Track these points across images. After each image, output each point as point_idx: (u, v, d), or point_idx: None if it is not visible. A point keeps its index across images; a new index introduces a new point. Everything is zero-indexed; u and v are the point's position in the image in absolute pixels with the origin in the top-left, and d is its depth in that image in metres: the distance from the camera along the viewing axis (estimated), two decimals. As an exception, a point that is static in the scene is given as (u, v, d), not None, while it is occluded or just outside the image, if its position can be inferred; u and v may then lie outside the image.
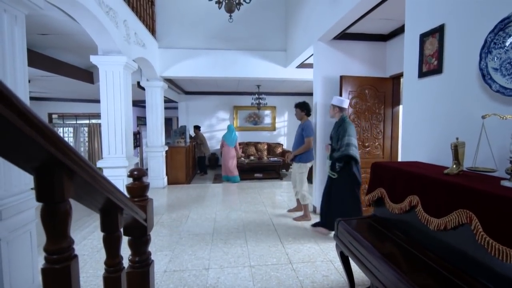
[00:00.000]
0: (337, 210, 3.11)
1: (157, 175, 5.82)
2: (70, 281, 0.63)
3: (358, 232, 1.62)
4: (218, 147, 8.42)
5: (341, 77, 3.66)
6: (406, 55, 2.04)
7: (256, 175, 7.38)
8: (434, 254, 1.32)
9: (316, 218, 3.82)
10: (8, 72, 1.78)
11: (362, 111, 3.74)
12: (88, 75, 5.84)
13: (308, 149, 3.67)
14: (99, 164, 3.61)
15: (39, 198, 0.59)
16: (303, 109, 3.74)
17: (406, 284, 1.16)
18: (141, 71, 5.33)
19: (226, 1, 2.91)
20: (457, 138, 1.37)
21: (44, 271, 0.63)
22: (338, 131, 3.11)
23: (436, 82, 1.77)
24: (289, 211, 4.09)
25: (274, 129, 9.50)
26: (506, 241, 0.96)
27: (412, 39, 1.96)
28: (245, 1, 3.05)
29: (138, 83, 5.72)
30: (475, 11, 1.49)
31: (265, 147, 8.98)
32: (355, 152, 3.00)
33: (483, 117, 1.25)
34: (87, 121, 9.40)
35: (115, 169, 3.61)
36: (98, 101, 3.63)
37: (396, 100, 3.85)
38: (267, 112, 9.41)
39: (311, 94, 4.41)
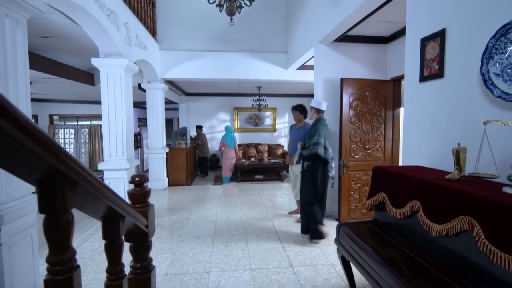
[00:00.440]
0: (302, 211, 3.23)
1: (157, 177, 5.83)
2: (72, 291, 0.63)
3: (359, 237, 1.62)
4: (217, 148, 8.41)
5: (342, 80, 3.66)
6: (407, 59, 2.04)
7: (257, 176, 7.38)
8: (435, 259, 1.31)
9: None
10: (10, 76, 1.79)
11: (363, 113, 3.74)
12: (89, 77, 5.85)
13: None
14: (100, 166, 3.61)
15: (41, 210, 0.59)
16: (303, 111, 3.78)
17: (407, 290, 1.15)
18: (142, 73, 5.34)
19: (227, 4, 2.92)
20: (458, 144, 1.36)
21: (46, 283, 0.63)
22: (311, 131, 3.21)
23: (437, 87, 1.76)
24: (290, 213, 4.09)
25: (274, 130, 9.50)
26: (508, 248, 0.96)
27: (413, 43, 1.96)
28: (246, 4, 3.06)
29: (139, 85, 5.73)
30: (477, 16, 1.49)
31: (266, 148, 8.98)
32: (322, 151, 3.03)
33: (485, 123, 1.25)
34: (88, 123, 9.41)
35: (116, 172, 3.61)
36: (99, 103, 3.64)
37: (397, 102, 3.85)
38: (268, 113, 9.41)
39: (311, 95, 4.41)
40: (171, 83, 6.56)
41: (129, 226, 1.08)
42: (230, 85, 7.44)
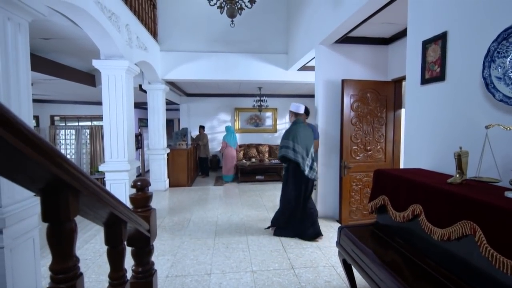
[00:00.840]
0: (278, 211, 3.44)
1: (158, 177, 5.83)
2: (75, 299, 0.63)
3: (361, 240, 1.62)
4: (218, 149, 8.46)
5: (343, 81, 3.66)
6: (408, 62, 2.04)
7: (258, 177, 7.38)
8: (437, 263, 1.31)
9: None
10: (11, 79, 1.79)
11: (364, 114, 3.74)
12: (90, 78, 5.86)
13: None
14: (101, 167, 3.61)
15: (45, 219, 0.60)
16: (307, 113, 3.80)
17: (409, 295, 1.15)
18: (143, 74, 5.34)
19: (228, 6, 2.92)
20: (460, 148, 1.36)
21: (49, 291, 0.63)
22: (283, 134, 3.37)
23: (439, 89, 1.76)
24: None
25: (275, 131, 9.50)
26: (511, 253, 0.96)
27: (415, 45, 1.96)
28: (246, 6, 3.06)
29: (140, 86, 5.73)
30: (478, 19, 1.49)
31: (267, 149, 8.97)
32: (290, 153, 3.17)
33: (487, 127, 1.24)
34: (89, 123, 9.42)
35: (117, 173, 3.61)
36: (99, 103, 3.65)
37: (398, 104, 3.85)
38: (269, 114, 9.41)
39: (312, 96, 4.42)
40: (172, 84, 6.57)
41: (131, 231, 1.08)
42: (231, 86, 7.45)
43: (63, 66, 5.05)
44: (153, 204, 1.25)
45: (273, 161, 7.93)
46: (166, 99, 6.47)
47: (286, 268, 2.61)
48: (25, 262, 1.84)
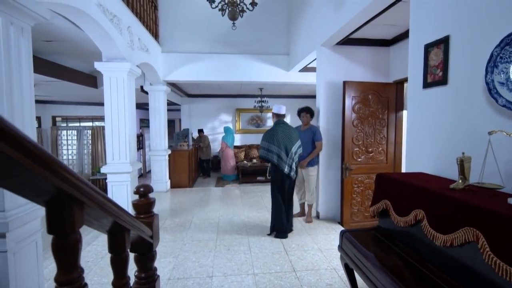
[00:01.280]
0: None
1: (160, 178, 5.84)
2: (80, 310, 0.64)
3: (363, 244, 1.62)
4: (218, 150, 8.53)
5: (344, 83, 3.66)
6: (410, 65, 2.04)
7: (259, 178, 7.38)
8: (439, 269, 1.31)
9: (319, 222, 3.82)
10: (14, 83, 1.80)
11: (365, 116, 3.73)
12: (92, 79, 5.87)
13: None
14: (103, 169, 3.62)
15: (50, 230, 0.60)
16: (312, 114, 3.82)
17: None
18: (145, 75, 5.35)
19: (229, 9, 2.92)
20: (463, 153, 1.36)
21: (54, 302, 0.63)
22: None
23: (441, 93, 1.76)
24: (294, 216, 4.08)
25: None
26: (514, 262, 0.95)
27: (417, 49, 1.95)
28: (248, 9, 3.06)
29: (141, 87, 5.74)
30: (481, 24, 1.48)
31: (268, 149, 8.97)
32: (263, 153, 3.36)
33: (490, 133, 1.24)
34: (90, 124, 9.45)
35: (119, 175, 3.62)
36: (101, 104, 3.66)
37: (399, 105, 3.84)
38: (270, 114, 9.38)
39: (313, 96, 4.41)
40: (173, 85, 6.58)
41: (134, 237, 1.08)
42: (232, 87, 7.46)
43: (65, 68, 5.07)
44: (155, 205, 1.24)
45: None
46: (167, 100, 6.48)
47: (287, 270, 2.61)
48: (28, 265, 1.85)
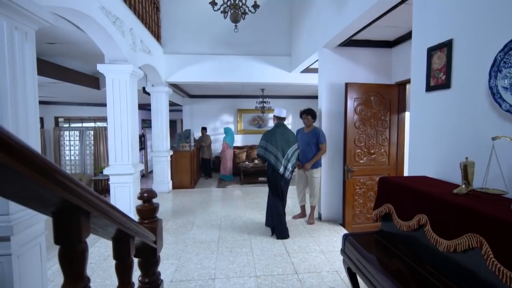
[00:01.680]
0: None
1: (162, 179, 5.86)
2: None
3: (365, 249, 1.62)
4: (220, 150, 8.57)
5: (346, 84, 3.65)
6: (413, 68, 2.03)
7: (260, 179, 7.38)
8: (442, 274, 1.31)
9: (321, 224, 3.82)
10: (18, 86, 1.81)
11: (367, 118, 3.73)
12: (94, 81, 5.90)
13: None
14: (106, 171, 3.64)
15: (57, 241, 0.61)
16: (314, 116, 3.81)
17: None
18: (147, 76, 5.37)
19: (232, 11, 2.93)
20: (466, 158, 1.36)
21: (61, 311, 0.64)
22: None
23: (444, 97, 1.75)
24: (294, 217, 4.09)
25: (278, 132, 9.49)
26: (518, 269, 0.95)
27: (419, 52, 1.95)
28: (250, 11, 3.06)
29: (144, 88, 5.76)
30: (485, 29, 1.48)
31: (269, 150, 8.97)
32: (261, 151, 3.49)
33: (494, 138, 1.24)
34: (92, 124, 9.48)
35: (122, 176, 3.64)
36: (103, 105, 3.68)
37: (402, 107, 3.83)
38: (271, 115, 9.38)
39: (315, 97, 4.41)
40: (175, 86, 6.59)
41: (138, 243, 1.09)
42: (233, 87, 7.47)
43: (68, 69, 5.09)
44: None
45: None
46: (169, 100, 6.50)
47: (290, 273, 2.61)
48: (32, 268, 1.86)
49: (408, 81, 3.53)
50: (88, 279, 0.67)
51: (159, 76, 5.23)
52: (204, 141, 7.94)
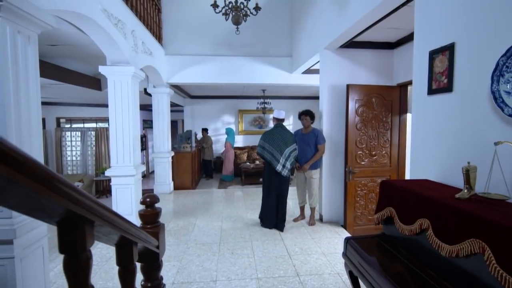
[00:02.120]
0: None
1: (163, 180, 5.87)
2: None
3: (367, 252, 1.62)
4: (222, 151, 8.58)
5: (348, 86, 3.65)
6: (415, 71, 2.03)
7: (261, 179, 7.39)
8: (444, 278, 1.31)
9: (322, 225, 3.82)
10: (21, 89, 1.82)
11: (369, 119, 3.72)
12: (96, 82, 5.91)
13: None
14: (107, 173, 3.65)
15: (62, 250, 0.61)
16: (312, 117, 3.81)
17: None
18: (148, 78, 5.38)
19: (233, 14, 2.93)
20: (468, 163, 1.35)
21: (66, 319, 0.64)
22: None
23: (446, 101, 1.75)
24: (295, 220, 4.08)
25: (279, 132, 9.49)
26: (521, 275, 0.95)
27: (421, 55, 1.95)
28: (251, 13, 3.06)
29: (145, 89, 5.77)
30: (487, 33, 1.48)
31: (270, 150, 8.97)
32: (259, 150, 3.79)
33: (496, 143, 1.24)
34: (94, 125, 9.51)
35: (123, 178, 3.65)
36: (105, 106, 3.68)
37: (403, 108, 3.83)
38: (272, 115, 9.40)
39: (316, 98, 4.41)
40: (176, 87, 6.61)
41: (140, 248, 1.09)
42: (235, 88, 7.47)
43: (69, 71, 5.10)
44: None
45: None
46: (170, 101, 6.51)
47: (291, 275, 2.61)
48: (34, 270, 1.87)
49: (410, 83, 3.53)
50: (92, 287, 0.67)
51: (161, 77, 5.24)
52: (205, 142, 7.95)
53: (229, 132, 7.74)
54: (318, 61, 4.29)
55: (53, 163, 8.80)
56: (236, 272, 2.67)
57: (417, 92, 2.01)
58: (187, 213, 4.54)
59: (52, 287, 2.43)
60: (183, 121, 9.64)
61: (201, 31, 5.48)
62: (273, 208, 3.73)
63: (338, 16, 3.31)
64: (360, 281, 1.70)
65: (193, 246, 3.27)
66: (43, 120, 8.84)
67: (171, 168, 6.04)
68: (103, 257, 3.01)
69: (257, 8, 2.97)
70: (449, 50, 1.71)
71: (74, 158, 9.16)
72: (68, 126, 9.45)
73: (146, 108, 9.60)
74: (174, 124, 11.51)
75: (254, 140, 9.29)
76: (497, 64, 1.36)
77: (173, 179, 6.13)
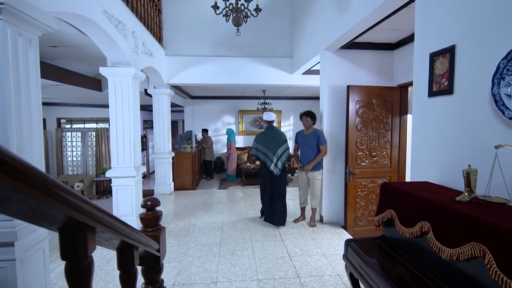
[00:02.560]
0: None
1: (164, 181, 5.87)
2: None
3: (368, 254, 1.62)
4: (224, 151, 8.59)
5: (348, 87, 3.65)
6: (415, 73, 2.03)
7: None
8: (445, 282, 1.31)
9: (322, 226, 3.82)
10: (22, 94, 1.82)
11: (369, 120, 3.72)
12: (96, 83, 5.92)
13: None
14: (108, 174, 3.65)
15: (63, 257, 0.61)
16: (313, 118, 3.81)
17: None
18: (148, 78, 5.38)
19: (234, 15, 2.93)
20: (469, 165, 1.35)
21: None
22: None
23: (447, 103, 1.75)
24: (295, 221, 4.08)
25: (279, 133, 9.49)
26: (521, 279, 0.95)
27: (422, 57, 1.95)
28: (252, 15, 3.07)
29: (145, 90, 5.77)
30: (488, 35, 1.48)
31: (271, 151, 8.98)
32: (254, 151, 4.05)
33: (497, 147, 1.24)
34: (94, 125, 9.52)
35: (124, 179, 3.65)
36: (105, 106, 3.68)
37: (404, 109, 3.82)
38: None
39: (316, 98, 4.41)
40: (176, 87, 6.61)
41: (141, 251, 1.10)
42: (235, 89, 7.48)
43: (70, 72, 5.11)
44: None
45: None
46: (171, 102, 6.52)
47: (291, 276, 2.61)
48: (35, 272, 1.87)
49: (410, 83, 3.53)
50: (94, 293, 0.68)
51: (161, 78, 5.24)
52: (205, 142, 7.96)
53: (230, 133, 7.75)
54: (319, 62, 4.28)
55: (53, 163, 8.81)
56: (237, 274, 2.67)
57: (418, 94, 2.01)
58: (187, 213, 4.54)
59: (53, 288, 2.43)
60: (183, 121, 9.64)
61: (201, 32, 5.48)
62: (269, 205, 3.97)
63: (338, 17, 3.31)
64: (360, 283, 1.70)
65: (193, 247, 3.27)
66: (44, 120, 8.85)
67: (172, 169, 6.05)
68: (104, 258, 3.01)
69: (257, 9, 2.97)
70: (449, 52, 1.71)
71: (74, 159, 9.17)
72: (68, 126, 9.46)
73: (146, 108, 9.60)
74: (174, 124, 11.52)
75: (255, 141, 9.30)
76: (498, 67, 1.36)
77: (173, 180, 6.14)
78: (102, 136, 9.10)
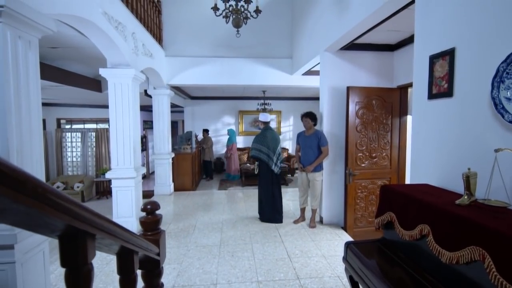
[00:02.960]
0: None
1: (164, 182, 5.87)
2: None
3: (367, 257, 1.62)
4: (223, 151, 8.59)
5: (348, 88, 3.65)
6: (415, 75, 2.03)
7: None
8: (445, 285, 1.31)
9: (322, 227, 3.82)
10: (22, 96, 1.82)
11: (369, 121, 3.73)
12: (96, 84, 5.92)
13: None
14: (108, 175, 3.65)
15: (63, 264, 0.61)
16: (314, 119, 3.80)
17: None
18: (148, 79, 5.38)
19: (234, 17, 2.93)
20: (469, 169, 1.36)
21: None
22: None
23: (446, 105, 1.75)
24: (295, 222, 4.08)
25: (279, 133, 9.49)
26: (521, 284, 0.95)
27: (422, 59, 1.95)
28: (252, 16, 3.07)
29: (145, 91, 5.77)
30: (488, 39, 1.48)
31: (271, 151, 8.99)
32: (255, 153, 4.12)
33: (496, 150, 1.24)
34: (94, 126, 9.51)
35: (124, 180, 3.65)
36: (105, 106, 3.69)
37: (403, 110, 3.83)
38: (273, 116, 9.39)
39: (316, 98, 4.42)
40: (176, 88, 6.61)
41: (141, 255, 1.10)
42: (235, 89, 7.48)
43: (70, 73, 5.11)
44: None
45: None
46: (171, 102, 6.52)
47: (291, 278, 2.62)
48: (35, 275, 1.87)
49: (410, 85, 3.53)
50: (94, 300, 0.68)
51: (161, 79, 5.24)
52: (205, 143, 7.96)
53: (232, 133, 7.82)
54: (319, 63, 4.28)
55: (53, 164, 8.81)
56: (237, 275, 2.67)
57: (418, 96, 2.01)
58: (187, 214, 4.54)
59: (53, 290, 2.43)
60: (183, 121, 9.64)
61: (201, 33, 5.48)
62: (272, 204, 4.09)
63: (338, 19, 3.31)
64: (360, 286, 1.70)
65: (193, 248, 3.27)
66: (44, 121, 8.84)
67: (172, 169, 6.04)
68: (104, 259, 3.01)
69: (257, 11, 2.97)
70: (449, 55, 1.71)
71: (74, 159, 9.17)
72: (68, 127, 9.46)
73: (146, 108, 9.60)
74: (174, 125, 11.52)
75: (255, 141, 9.29)
76: (498, 70, 1.36)
77: (173, 180, 6.14)
78: (102, 137, 9.10)
